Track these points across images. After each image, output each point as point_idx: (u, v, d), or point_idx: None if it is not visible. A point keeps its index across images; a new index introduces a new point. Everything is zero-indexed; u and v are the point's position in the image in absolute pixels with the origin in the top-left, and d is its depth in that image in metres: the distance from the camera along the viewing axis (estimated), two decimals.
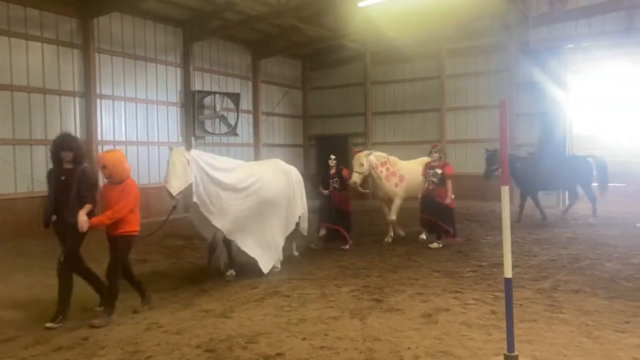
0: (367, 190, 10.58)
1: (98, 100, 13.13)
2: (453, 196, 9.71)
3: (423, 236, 10.33)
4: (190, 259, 9.30)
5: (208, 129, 16.29)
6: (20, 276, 7.98)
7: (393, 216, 10.32)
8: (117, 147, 13.56)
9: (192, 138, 15.71)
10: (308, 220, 9.33)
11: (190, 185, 6.69)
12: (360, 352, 4.71)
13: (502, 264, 4.37)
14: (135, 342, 5.09)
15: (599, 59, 18.86)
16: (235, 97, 16.98)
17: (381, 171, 10.17)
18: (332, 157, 9.83)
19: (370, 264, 8.51)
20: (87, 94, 12.86)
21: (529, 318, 5.52)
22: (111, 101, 13.57)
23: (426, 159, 10.35)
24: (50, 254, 6.62)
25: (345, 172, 9.86)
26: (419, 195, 10.06)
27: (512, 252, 4.58)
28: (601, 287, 6.76)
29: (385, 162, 10.27)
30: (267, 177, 7.94)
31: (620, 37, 14.92)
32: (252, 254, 7.61)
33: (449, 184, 9.64)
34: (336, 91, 20.63)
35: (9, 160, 11.46)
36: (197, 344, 5.00)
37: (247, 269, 7.87)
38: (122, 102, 13.87)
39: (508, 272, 4.30)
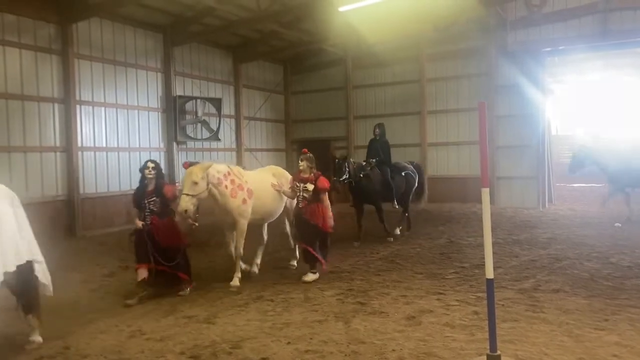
0: (196, 223, 7.26)
1: (78, 106, 12.97)
2: (332, 215, 7.81)
3: (294, 263, 8.66)
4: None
5: (190, 134, 16.20)
6: None
7: (240, 249, 7.58)
8: (97, 153, 13.52)
9: (174, 143, 15.62)
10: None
11: None
12: (345, 355, 4.73)
13: (484, 265, 4.43)
14: (118, 350, 5.05)
15: (576, 62, 19.25)
16: (216, 102, 16.93)
17: (226, 186, 7.39)
18: (150, 162, 7.04)
19: (354, 267, 8.55)
20: (67, 100, 12.70)
21: (511, 318, 5.60)
22: (91, 107, 13.42)
23: (275, 169, 8.85)
24: None
25: (167, 188, 7.02)
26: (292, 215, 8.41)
27: (494, 253, 4.64)
28: (581, 286, 6.88)
29: (229, 173, 7.59)
30: None
31: (597, 40, 15.18)
32: None
33: (325, 200, 7.78)
34: (318, 95, 20.66)
35: None
36: (181, 350, 4.98)
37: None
38: (103, 108, 13.72)
39: (489, 273, 4.36)
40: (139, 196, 7.03)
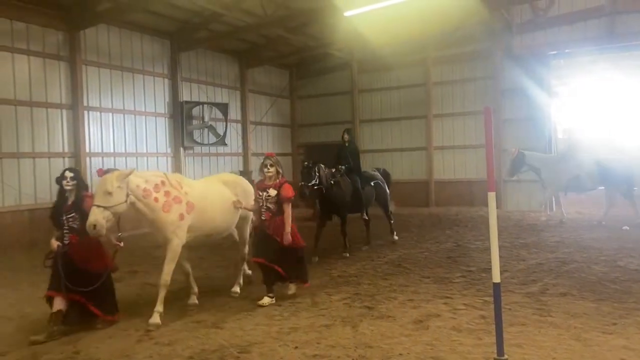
0: (121, 243, 6.06)
1: (86, 112, 13.09)
2: (289, 231, 6.70)
3: (236, 289, 7.30)
4: (181, 269, 9.25)
5: (197, 140, 16.30)
6: (8, 291, 7.91)
7: (167, 276, 6.23)
8: (105, 159, 13.61)
9: (181, 149, 15.71)
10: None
11: None
12: None
13: (491, 268, 4.43)
14: (127, 354, 5.08)
15: (583, 65, 19.20)
16: (223, 107, 17.01)
17: (156, 199, 6.15)
18: (68, 172, 5.97)
19: (361, 271, 8.55)
20: (75, 106, 12.82)
21: (518, 322, 5.58)
22: (99, 113, 13.53)
23: (227, 176, 7.79)
24: (38, 269, 6.57)
25: (89, 202, 5.80)
26: (251, 228, 7.47)
27: (501, 257, 4.65)
28: (589, 289, 6.85)
29: (163, 183, 6.32)
30: None
31: (603, 42, 15.17)
32: None
33: (288, 210, 6.71)
34: (323, 100, 20.73)
35: None
36: (189, 354, 5.01)
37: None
38: (110, 114, 13.84)
39: (496, 277, 4.37)
40: (57, 212, 5.93)
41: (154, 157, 15.00)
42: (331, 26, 16.60)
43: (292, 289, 7.00)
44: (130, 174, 5.89)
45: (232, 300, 7.00)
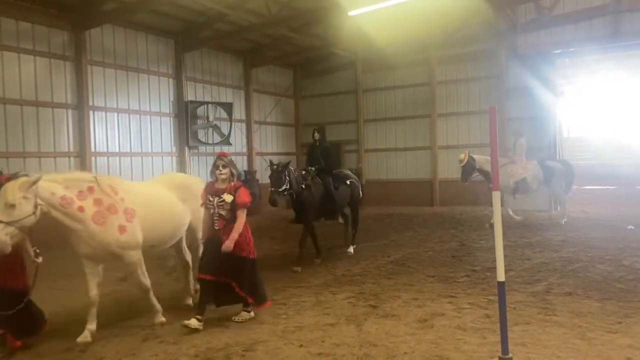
0: (39, 259, 5.18)
1: (91, 112, 13.15)
2: (235, 239, 5.79)
3: (189, 301, 6.71)
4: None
5: (201, 139, 16.34)
6: None
7: (145, 281, 5.92)
8: (110, 159, 13.68)
9: (186, 148, 15.76)
10: None
11: None
12: (358, 358, 4.76)
13: (495, 268, 4.44)
14: (133, 353, 5.11)
15: (588, 64, 19.16)
16: (227, 107, 17.04)
17: (81, 208, 5.27)
18: None
19: (365, 270, 8.56)
20: (80, 106, 12.88)
21: (523, 321, 5.59)
22: (104, 113, 13.59)
23: (175, 177, 7.11)
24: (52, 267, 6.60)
25: None
26: (200, 239, 6.46)
27: (505, 256, 4.65)
28: (593, 289, 6.85)
29: (91, 189, 5.43)
30: None
31: (608, 41, 15.12)
32: None
33: (242, 217, 5.90)
34: (328, 99, 20.73)
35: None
36: (194, 353, 5.03)
37: None
38: (115, 114, 13.89)
39: (501, 276, 4.37)
40: None
41: (159, 156, 15.06)
42: (335, 26, 16.64)
43: (243, 316, 6.01)
44: (37, 181, 4.96)
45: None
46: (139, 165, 14.42)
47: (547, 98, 16.01)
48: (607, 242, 10.20)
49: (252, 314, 6.03)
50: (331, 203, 9.47)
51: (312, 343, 5.19)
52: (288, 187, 8.67)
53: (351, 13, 13.93)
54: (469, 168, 12.82)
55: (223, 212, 5.86)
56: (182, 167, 15.54)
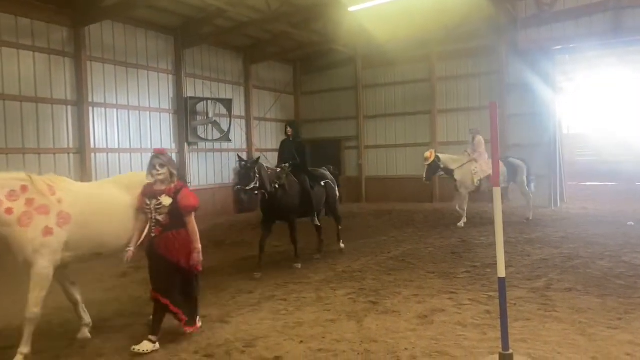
0: None
1: (90, 109, 13.12)
2: (199, 249, 5.23)
3: (85, 333, 5.51)
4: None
5: (201, 135, 16.32)
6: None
7: (35, 308, 4.85)
8: (110, 155, 13.66)
9: (185, 144, 15.74)
10: None
11: None
12: (358, 354, 4.76)
13: (495, 264, 4.44)
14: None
15: (588, 60, 19.12)
16: (227, 103, 17.02)
17: (8, 210, 4.81)
18: None
19: (365, 266, 8.56)
20: (80, 102, 12.85)
21: (523, 317, 5.59)
22: (104, 109, 13.57)
23: (135, 177, 6.02)
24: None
25: None
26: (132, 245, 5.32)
27: (505, 252, 4.65)
28: (593, 285, 6.85)
29: (24, 188, 4.96)
30: None
31: (608, 37, 15.09)
32: None
33: (193, 223, 5.23)
34: (328, 95, 20.71)
35: (1, 169, 11.42)
36: (195, 349, 5.04)
37: (243, 275, 7.90)
38: (115, 110, 13.87)
39: (502, 272, 4.37)
40: None
41: None
42: (335, 22, 16.61)
43: (144, 346, 5.03)
44: None
45: (238, 294, 7.03)
46: (139, 162, 14.39)
47: (548, 94, 15.99)
48: (607, 238, 10.20)
49: (156, 345, 5.02)
50: (307, 204, 8.84)
51: (313, 339, 5.19)
52: (258, 185, 7.84)
53: (351, 9, 13.91)
54: (434, 167, 12.83)
55: (160, 218, 5.14)
56: (181, 163, 15.53)
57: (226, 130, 16.92)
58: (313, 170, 9.63)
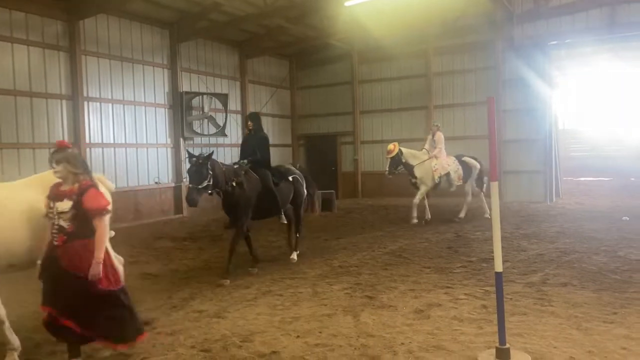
0: None
1: (85, 103, 13.06)
2: (100, 259, 4.22)
3: (13, 357, 4.64)
4: (182, 260, 9.29)
5: (196, 130, 16.28)
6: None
7: None
8: (105, 149, 13.61)
9: (181, 139, 15.69)
10: None
11: None
12: (355, 349, 4.76)
13: (491, 259, 4.46)
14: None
15: (584, 55, 19.17)
16: (223, 98, 16.97)
17: None
18: None
19: (361, 261, 8.57)
20: (75, 97, 12.79)
21: (519, 311, 5.60)
22: (99, 103, 13.50)
23: (37, 177, 5.23)
24: None
25: None
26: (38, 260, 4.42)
27: (502, 247, 4.65)
28: (589, 279, 6.87)
29: None
30: None
31: (604, 33, 15.12)
32: None
33: (102, 228, 4.29)
34: (324, 90, 20.67)
35: None
36: (192, 344, 5.03)
37: (239, 270, 7.90)
38: (110, 104, 13.81)
39: (499, 267, 4.38)
40: None
41: (154, 148, 15.00)
42: (331, 16, 16.56)
43: (105, 351, 4.64)
44: None
45: (234, 290, 7.01)
46: (134, 157, 14.36)
47: (543, 89, 16.01)
48: (603, 233, 10.24)
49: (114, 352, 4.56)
50: (271, 200, 8.09)
51: (309, 334, 5.19)
52: (211, 183, 7.15)
53: (347, 3, 13.88)
54: (396, 160, 12.57)
55: (64, 224, 4.25)
56: (177, 158, 15.49)
57: (222, 125, 16.88)
58: (278, 166, 9.07)
